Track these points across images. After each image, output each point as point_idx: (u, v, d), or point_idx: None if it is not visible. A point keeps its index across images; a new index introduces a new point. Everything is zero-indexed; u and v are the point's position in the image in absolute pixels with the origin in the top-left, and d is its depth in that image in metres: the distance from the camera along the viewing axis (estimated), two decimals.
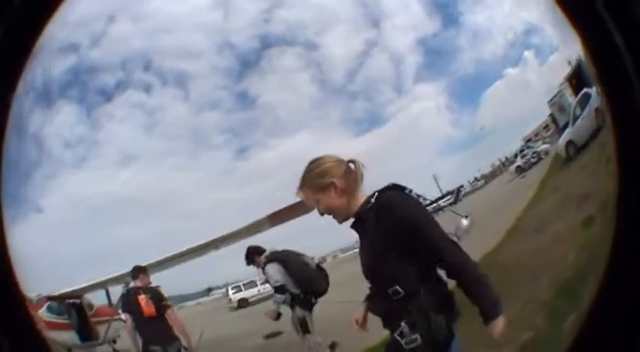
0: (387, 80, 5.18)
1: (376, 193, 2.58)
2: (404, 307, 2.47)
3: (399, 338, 2.47)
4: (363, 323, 2.75)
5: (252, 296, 6.46)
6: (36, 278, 4.93)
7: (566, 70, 3.65)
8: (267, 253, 5.41)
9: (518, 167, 5.26)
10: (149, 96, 4.95)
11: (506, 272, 3.90)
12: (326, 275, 5.48)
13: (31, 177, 4.89)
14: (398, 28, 5.15)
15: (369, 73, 5.13)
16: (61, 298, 6.15)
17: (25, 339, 2.36)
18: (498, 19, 4.72)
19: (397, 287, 2.46)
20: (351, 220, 2.70)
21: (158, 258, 5.66)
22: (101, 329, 6.42)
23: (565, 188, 3.66)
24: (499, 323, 2.32)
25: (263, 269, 5.42)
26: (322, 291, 5.39)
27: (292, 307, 5.41)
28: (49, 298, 6.01)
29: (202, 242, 5.61)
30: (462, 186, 5.66)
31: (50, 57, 4.61)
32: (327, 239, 5.83)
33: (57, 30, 4.43)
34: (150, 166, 5.21)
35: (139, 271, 5.32)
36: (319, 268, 5.57)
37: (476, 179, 5.65)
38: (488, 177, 5.53)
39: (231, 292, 6.83)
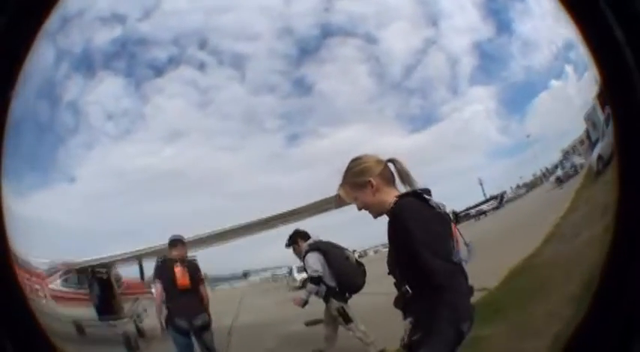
0: (443, 80, 6.03)
1: (395, 198, 3.91)
2: (412, 305, 3.87)
3: (405, 334, 3.87)
4: None
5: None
6: (52, 247, 5.79)
7: (596, 88, 4.21)
8: (310, 241, 6.49)
9: (557, 178, 6.24)
10: (203, 75, 5.69)
11: (543, 272, 5.00)
12: (364, 271, 6.55)
13: (65, 144, 5.67)
14: (455, 29, 5.99)
15: (426, 71, 5.92)
16: (83, 268, 6.90)
17: (27, 340, 3.07)
18: (543, 30, 5.58)
19: (406, 286, 3.88)
20: None
21: (200, 234, 6.62)
22: (126, 305, 7.32)
23: (593, 199, 4.43)
24: None
25: (303, 256, 6.53)
26: (358, 287, 6.46)
27: (326, 300, 6.48)
28: (68, 267, 6.78)
29: (256, 218, 6.46)
30: (504, 192, 6.68)
31: (90, 25, 5.39)
32: (372, 232, 5.82)
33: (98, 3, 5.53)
34: (198, 143, 5.97)
35: (177, 242, 6.35)
36: (358, 263, 6.64)
37: (518, 186, 6.64)
38: (529, 186, 6.52)
39: (295, 271, 7.86)
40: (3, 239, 3.40)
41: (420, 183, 4.06)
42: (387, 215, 3.65)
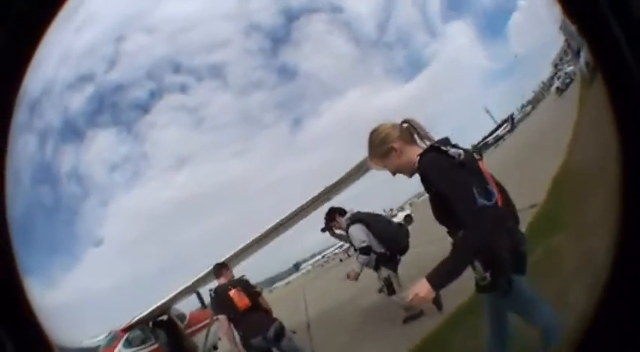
0: (418, 25, 6.07)
1: (418, 157, 4.14)
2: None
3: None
4: None
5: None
6: (103, 319, 6.01)
7: None
8: (348, 215, 6.59)
9: (557, 88, 6.35)
10: (188, 96, 5.77)
11: (582, 173, 5.09)
12: (407, 231, 6.70)
13: (79, 214, 5.78)
14: None
15: (399, 21, 5.98)
16: (142, 322, 6.95)
17: (28, 339, 3.11)
18: None
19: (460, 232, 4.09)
20: None
21: (240, 246, 6.72)
22: (199, 339, 7.37)
23: (596, 100, 4.17)
24: (422, 284, 3.70)
25: (346, 230, 6.60)
26: (405, 248, 6.56)
27: (377, 268, 6.58)
28: (127, 329, 6.82)
29: (289, 212, 6.56)
30: (513, 114, 6.73)
31: (60, 97, 5.46)
32: (400, 188, 6.32)
33: (58, 70, 5.63)
34: (206, 161, 6.05)
35: (221, 267, 6.48)
36: (400, 225, 6.83)
37: (523, 105, 6.70)
38: (533, 102, 6.59)
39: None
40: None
41: (431, 127, 4.48)
42: (419, 173, 4.03)
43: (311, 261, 8.06)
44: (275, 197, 6.52)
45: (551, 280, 4.61)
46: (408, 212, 7.43)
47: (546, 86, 6.51)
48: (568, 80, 6.14)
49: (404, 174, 4.22)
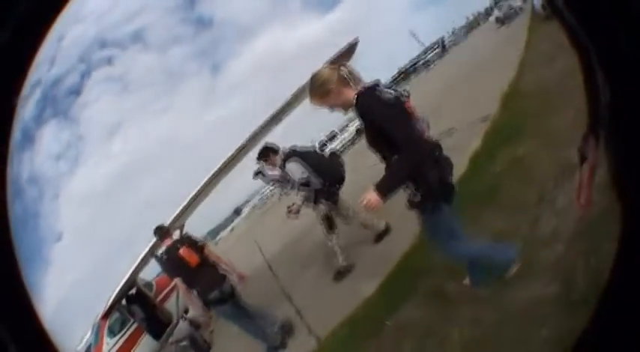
0: None
1: (356, 96, 4.44)
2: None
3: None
4: None
5: (341, 145, 7.43)
6: (87, 316, 5.98)
7: None
8: (281, 152, 6.43)
9: (497, 18, 6.31)
10: (113, 66, 5.87)
11: (540, 92, 5.12)
12: (342, 161, 6.61)
13: (40, 214, 5.80)
14: None
15: None
16: (116, 302, 6.72)
17: (31, 340, 3.56)
18: None
19: (394, 157, 4.40)
20: None
21: (182, 203, 6.63)
22: (171, 305, 7.19)
23: (554, 37, 4.82)
24: (370, 192, 4.15)
25: (282, 167, 6.42)
26: (342, 177, 6.47)
27: (316, 202, 6.45)
28: (105, 315, 6.61)
29: (226, 157, 6.59)
30: (443, 37, 6.73)
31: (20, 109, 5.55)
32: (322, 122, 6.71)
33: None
34: (135, 123, 6.13)
35: (162, 230, 6.27)
36: (333, 154, 6.81)
37: (454, 31, 6.70)
38: (467, 28, 6.61)
39: (317, 146, 7.75)
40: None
41: (357, 54, 5.26)
42: (354, 109, 4.20)
43: (250, 204, 8.08)
44: (207, 147, 6.59)
45: (527, 187, 4.73)
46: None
47: (482, 15, 6.54)
48: (512, 13, 6.16)
49: (339, 110, 4.29)
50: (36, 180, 5.59)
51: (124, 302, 6.93)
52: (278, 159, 6.42)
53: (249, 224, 7.66)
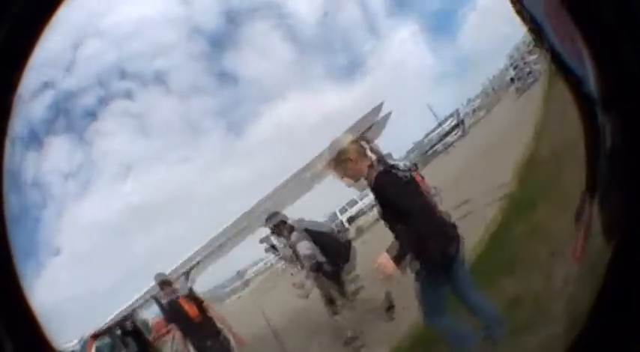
0: (359, 23, 6.06)
1: (368, 168, 4.66)
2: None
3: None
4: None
5: (359, 211, 7.07)
6: (72, 324, 5.79)
7: None
8: (290, 222, 6.55)
9: (517, 88, 6.43)
10: (132, 102, 5.78)
11: (553, 160, 5.22)
12: (349, 242, 6.67)
13: (41, 222, 5.65)
14: None
15: (340, 19, 6.02)
16: (110, 329, 6.77)
17: (28, 339, 3.13)
18: None
19: (398, 226, 4.56)
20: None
21: (193, 254, 6.68)
22: (165, 346, 7.19)
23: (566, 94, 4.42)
24: (383, 255, 4.50)
25: (288, 238, 6.60)
26: (347, 258, 6.55)
27: (317, 278, 6.63)
28: (96, 335, 6.60)
29: (235, 219, 6.59)
30: (461, 115, 6.80)
31: (28, 102, 5.32)
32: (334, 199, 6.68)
33: (27, 80, 5.52)
34: (151, 168, 6.06)
35: (162, 280, 6.45)
36: (339, 232, 6.78)
37: (474, 110, 6.77)
38: (487, 106, 6.67)
39: (339, 214, 7.39)
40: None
41: (375, 129, 5.24)
42: (370, 187, 4.98)
43: (255, 268, 7.98)
44: (219, 204, 6.52)
45: (542, 247, 4.77)
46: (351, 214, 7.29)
47: (503, 88, 6.61)
48: (531, 79, 6.22)
49: (351, 180, 5.16)
50: (39, 187, 5.58)
51: (118, 330, 6.92)
52: (285, 229, 6.60)
53: (253, 287, 7.63)
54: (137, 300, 6.96)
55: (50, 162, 5.77)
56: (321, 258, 6.77)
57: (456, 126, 6.98)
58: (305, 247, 6.73)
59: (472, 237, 5.43)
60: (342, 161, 5.11)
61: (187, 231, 6.63)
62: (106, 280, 6.29)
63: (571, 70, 3.26)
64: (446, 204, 5.66)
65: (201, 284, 7.15)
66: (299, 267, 6.85)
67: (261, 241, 7.02)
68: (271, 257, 7.78)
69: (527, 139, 5.63)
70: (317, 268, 6.72)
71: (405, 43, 6.52)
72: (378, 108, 5.84)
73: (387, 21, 6.34)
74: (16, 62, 3.26)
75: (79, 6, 5.53)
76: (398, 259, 4.31)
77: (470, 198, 5.91)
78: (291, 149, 5.65)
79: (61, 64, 5.65)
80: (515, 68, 6.47)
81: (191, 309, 6.47)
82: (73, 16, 5.51)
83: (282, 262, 7.65)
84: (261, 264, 8.01)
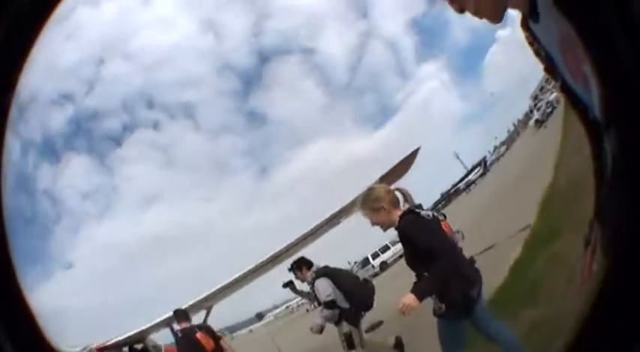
0: (389, 67, 6.16)
1: (398, 217, 4.71)
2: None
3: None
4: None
5: (390, 258, 7.52)
6: (74, 335, 5.62)
7: None
8: (314, 268, 6.52)
9: (537, 121, 6.31)
10: (159, 133, 5.80)
11: (569, 190, 5.17)
12: (372, 287, 6.67)
13: (52, 233, 5.72)
14: (386, 14, 6.14)
15: (370, 64, 6.07)
16: (118, 346, 6.74)
17: (27, 341, 3.44)
18: None
19: (425, 273, 4.60)
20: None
21: (206, 293, 6.66)
22: None
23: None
24: (408, 295, 4.44)
25: (312, 283, 6.51)
26: (370, 304, 6.52)
27: (338, 323, 6.54)
28: (103, 348, 6.54)
29: (258, 262, 6.57)
30: (485, 158, 6.78)
31: (44, 110, 5.46)
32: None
33: (44, 81, 5.55)
34: (174, 202, 6.05)
35: (181, 314, 6.32)
36: (365, 281, 6.86)
37: (496, 147, 6.69)
38: (507, 143, 6.57)
39: (371, 259, 7.93)
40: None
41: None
42: (396, 229, 4.85)
43: (275, 311, 8.06)
44: (242, 245, 6.55)
45: (562, 275, 4.70)
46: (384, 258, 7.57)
47: (522, 122, 6.50)
48: (549, 109, 6.19)
49: (382, 227, 4.99)
50: (54, 200, 5.55)
51: (126, 348, 6.85)
52: (310, 274, 6.49)
53: (270, 329, 7.66)
54: (151, 326, 6.88)
55: (68, 180, 5.75)
56: (344, 304, 6.59)
57: (479, 165, 6.97)
58: (326, 293, 6.54)
59: (495, 274, 5.28)
60: (375, 209, 4.91)
61: (205, 267, 6.69)
62: (116, 300, 6.26)
63: (580, 98, 3.17)
64: (468, 244, 5.57)
65: (220, 321, 7.13)
66: (320, 312, 6.59)
67: (285, 285, 6.95)
68: (293, 302, 7.80)
69: (546, 173, 5.62)
70: (332, 307, 6.53)
71: (432, 87, 6.59)
72: (415, 153, 5.73)
73: (416, 64, 6.52)
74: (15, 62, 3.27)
75: (105, 21, 5.84)
76: (422, 295, 4.30)
77: (492, 237, 5.83)
78: (318, 193, 5.67)
79: (82, 78, 5.70)
80: (538, 109, 6.39)
81: (208, 343, 6.22)
82: (97, 31, 5.84)
83: (304, 306, 7.73)
84: (282, 308, 8.05)
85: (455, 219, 5.70)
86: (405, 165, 6.14)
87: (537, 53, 3.67)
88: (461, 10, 3.88)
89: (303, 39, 6.06)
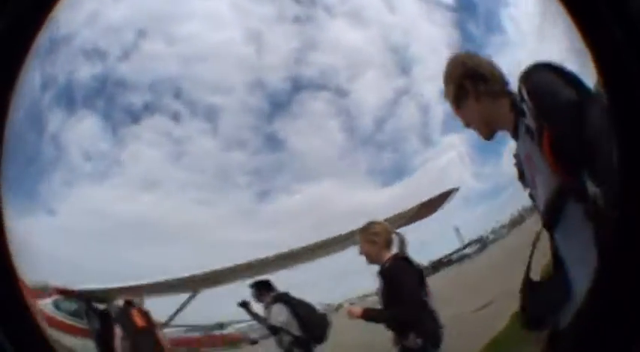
0: (415, 130, 6.22)
1: (388, 259, 4.98)
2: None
3: None
4: None
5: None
6: (39, 270, 5.60)
7: None
8: (274, 293, 6.70)
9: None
10: (177, 125, 5.88)
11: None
12: (327, 321, 6.75)
13: (47, 177, 5.85)
14: (427, 76, 6.19)
15: (398, 121, 6.16)
16: (80, 295, 6.81)
17: (27, 340, 3.49)
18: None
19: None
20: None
21: (167, 279, 6.77)
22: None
23: None
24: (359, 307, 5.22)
25: (268, 306, 6.76)
26: (324, 336, 6.68)
27: (288, 350, 6.72)
28: (62, 291, 6.62)
29: (225, 266, 6.67)
30: (487, 237, 6.83)
31: (74, 55, 5.60)
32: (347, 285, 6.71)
33: (83, 27, 5.76)
34: (172, 195, 6.13)
35: (125, 290, 6.56)
36: (322, 314, 6.89)
37: (494, 230, 6.77)
38: (509, 226, 6.58)
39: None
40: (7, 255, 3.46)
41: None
42: (381, 268, 5.65)
43: (236, 326, 7.90)
44: (220, 254, 6.62)
45: None
46: None
47: (528, 210, 6.26)
48: None
49: (367, 258, 5.73)
50: (59, 148, 5.76)
51: (88, 306, 6.93)
52: (269, 297, 6.83)
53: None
54: (114, 289, 7.02)
55: (77, 134, 5.90)
56: (297, 332, 6.83)
57: (477, 241, 6.99)
58: (277, 318, 6.83)
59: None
60: (370, 241, 5.67)
61: (181, 262, 6.73)
62: (84, 262, 6.36)
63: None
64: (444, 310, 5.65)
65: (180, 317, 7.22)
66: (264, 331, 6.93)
67: (240, 305, 7.08)
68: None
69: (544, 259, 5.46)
70: (276, 332, 6.82)
71: (450, 159, 6.70)
72: (447, 194, 5.86)
73: (441, 133, 6.56)
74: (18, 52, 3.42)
75: None
76: (369, 316, 4.57)
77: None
78: (311, 230, 5.79)
79: (120, 43, 5.85)
80: None
81: (140, 319, 6.52)
82: (150, 3, 6.08)
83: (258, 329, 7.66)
84: (244, 325, 7.88)
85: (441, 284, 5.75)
86: (432, 205, 6.43)
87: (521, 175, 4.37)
88: (467, 125, 4.44)
89: (341, 79, 6.13)
